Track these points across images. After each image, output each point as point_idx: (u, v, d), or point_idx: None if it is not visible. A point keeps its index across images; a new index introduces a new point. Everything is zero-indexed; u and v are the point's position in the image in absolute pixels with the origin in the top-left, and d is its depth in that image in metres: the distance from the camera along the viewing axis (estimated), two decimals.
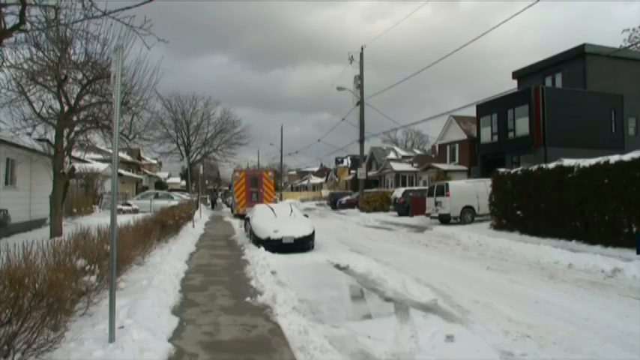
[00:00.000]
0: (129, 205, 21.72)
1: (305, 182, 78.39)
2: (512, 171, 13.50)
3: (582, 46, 21.61)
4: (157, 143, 33.14)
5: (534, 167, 12.46)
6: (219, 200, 41.92)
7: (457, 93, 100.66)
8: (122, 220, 8.12)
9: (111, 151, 5.43)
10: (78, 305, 4.59)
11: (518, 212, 12.66)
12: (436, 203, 17.32)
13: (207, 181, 61.58)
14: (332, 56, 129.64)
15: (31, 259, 3.93)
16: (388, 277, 7.14)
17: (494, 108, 23.06)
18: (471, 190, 16.90)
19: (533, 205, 12.00)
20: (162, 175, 58.22)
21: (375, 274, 7.42)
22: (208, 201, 39.34)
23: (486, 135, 24.23)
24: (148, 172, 46.77)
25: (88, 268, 4.70)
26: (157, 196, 25.12)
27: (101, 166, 22.50)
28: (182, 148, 38.19)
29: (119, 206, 19.56)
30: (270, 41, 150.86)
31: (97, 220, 11.95)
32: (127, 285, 6.18)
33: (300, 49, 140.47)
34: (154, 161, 54.21)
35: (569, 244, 10.11)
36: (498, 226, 13.67)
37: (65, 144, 10.76)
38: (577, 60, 21.87)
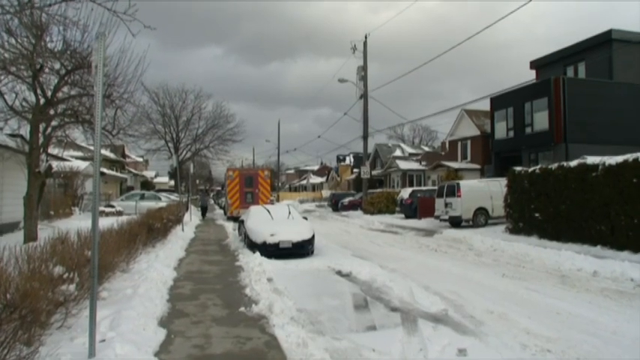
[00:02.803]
0: (112, 206, 21.71)
1: (304, 182, 78.42)
2: (530, 170, 13.46)
3: (608, 32, 21.42)
4: (143, 140, 33.24)
5: (554, 165, 12.42)
6: (212, 201, 40.47)
7: (468, 86, 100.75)
8: (105, 223, 8.07)
9: (92, 147, 5.41)
10: (55, 317, 4.55)
11: (537, 214, 12.64)
12: (446, 205, 17.31)
13: (197, 181, 61.64)
14: (334, 49, 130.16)
15: (2, 266, 3.90)
16: (394, 285, 7.14)
17: (509, 101, 23.02)
18: (485, 190, 16.87)
19: (553, 207, 11.97)
20: (148, 174, 58.27)
21: (380, 282, 7.42)
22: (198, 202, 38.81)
23: (501, 130, 24.19)
24: (133, 170, 46.78)
25: (66, 275, 4.67)
26: (143, 197, 25.13)
27: (81, 165, 22.46)
28: (170, 144, 38.20)
29: (101, 208, 19.52)
30: (269, 33, 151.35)
31: (77, 223, 11.92)
32: (109, 294, 6.16)
33: (301, 41, 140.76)
34: (140, 159, 54.19)
35: (594, 250, 10.07)
36: (514, 230, 13.64)
37: (41, 140, 10.71)
38: (602, 47, 21.69)
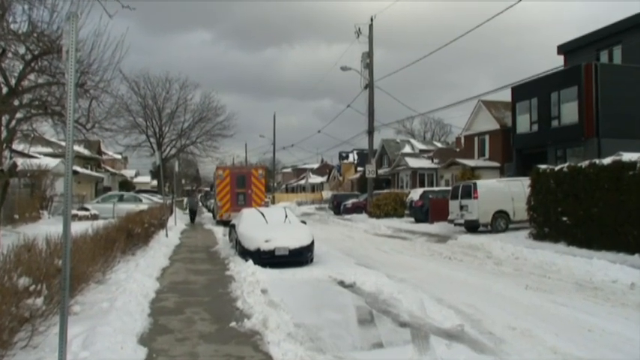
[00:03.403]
0: (86, 209, 21.69)
1: (302, 182, 78.38)
2: (557, 168, 13.44)
3: None
4: (122, 134, 33.30)
5: (585, 163, 12.39)
6: (200, 204, 39.95)
7: (486, 74, 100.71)
8: (78, 228, 8.11)
9: (63, 143, 5.38)
10: (19, 335, 4.51)
11: (564, 218, 12.61)
12: (461, 207, 17.32)
13: (183, 181, 61.73)
14: (336, 33, 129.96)
15: None
16: (403, 297, 7.15)
17: (533, 91, 22.95)
18: (505, 191, 16.88)
19: (583, 210, 11.94)
20: (128, 173, 58.27)
21: (387, 293, 7.44)
22: (185, 204, 38.41)
23: (524, 124, 24.15)
24: (110, 169, 46.81)
25: (33, 288, 4.64)
26: (121, 199, 25.13)
27: (51, 162, 22.44)
28: (153, 140, 38.26)
29: (74, 211, 19.50)
30: (264, 15, 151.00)
31: (46, 228, 11.87)
32: (82, 308, 6.15)
33: (299, 24, 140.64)
34: (118, 156, 54.26)
35: (631, 259, 10.00)
36: (539, 236, 13.63)
37: (4, 134, 10.69)
38: None
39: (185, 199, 40.37)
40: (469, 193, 17.02)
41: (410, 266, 10.71)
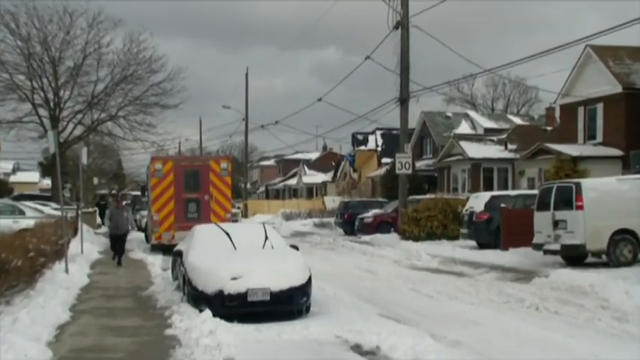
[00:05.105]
0: None
1: (293, 181, 78.75)
2: None
3: None
4: None
5: None
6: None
7: (594, 7, 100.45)
8: None
9: None
10: None
11: None
12: (556, 224, 17.33)
13: (96, 180, 61.74)
14: None
15: None
16: None
17: None
18: (630, 196, 16.87)
19: None
20: (1, 167, 58.32)
21: None
22: (99, 220, 37.91)
23: None
24: None
25: None
26: None
27: None
28: (44, 112, 38.13)
29: None
30: None
31: None
32: None
33: None
34: None
35: None
36: None
37: None
38: None
39: (104, 213, 39.69)
40: (569, 200, 17.06)
41: (469, 320, 10.72)
